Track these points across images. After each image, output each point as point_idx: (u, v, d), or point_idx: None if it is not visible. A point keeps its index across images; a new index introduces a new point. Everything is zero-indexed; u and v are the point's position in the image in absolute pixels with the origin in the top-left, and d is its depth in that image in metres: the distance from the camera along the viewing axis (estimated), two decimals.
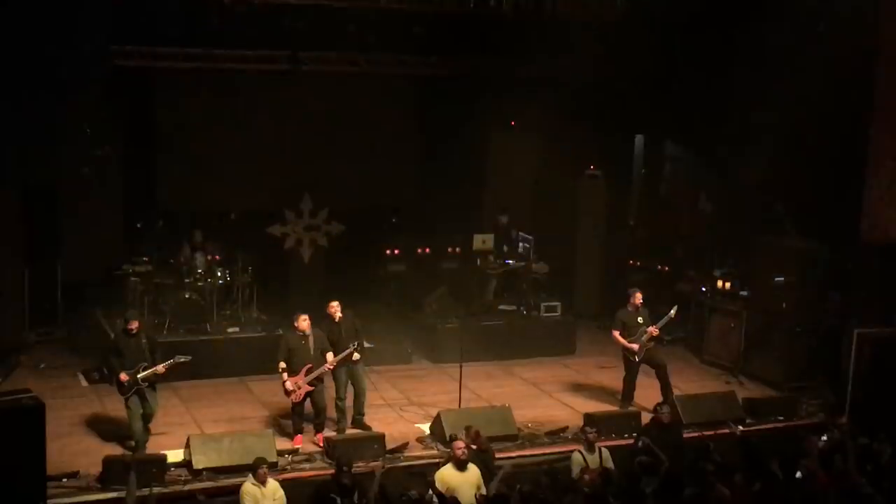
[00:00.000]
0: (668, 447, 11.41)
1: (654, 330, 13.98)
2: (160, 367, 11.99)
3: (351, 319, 13.23)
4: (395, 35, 16.73)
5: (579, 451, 11.51)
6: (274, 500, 10.49)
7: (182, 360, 12.26)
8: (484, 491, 10.29)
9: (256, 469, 10.52)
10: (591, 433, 11.67)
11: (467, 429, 11.51)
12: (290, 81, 16.97)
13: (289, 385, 12.54)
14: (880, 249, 14.26)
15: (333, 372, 12.94)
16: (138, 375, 11.84)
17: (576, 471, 11.13)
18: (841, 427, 12.22)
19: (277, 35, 16.47)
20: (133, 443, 11.93)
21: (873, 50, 14.60)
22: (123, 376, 11.84)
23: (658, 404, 12.55)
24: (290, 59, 16.67)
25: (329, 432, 12.75)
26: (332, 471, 11.08)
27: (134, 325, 12.05)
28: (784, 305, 15.36)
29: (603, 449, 11.64)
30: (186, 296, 15.61)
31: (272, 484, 10.62)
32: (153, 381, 12.04)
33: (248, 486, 10.50)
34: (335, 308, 13.11)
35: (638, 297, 14.23)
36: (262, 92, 17.11)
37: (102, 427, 12.37)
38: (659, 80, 17.28)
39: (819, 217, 15.61)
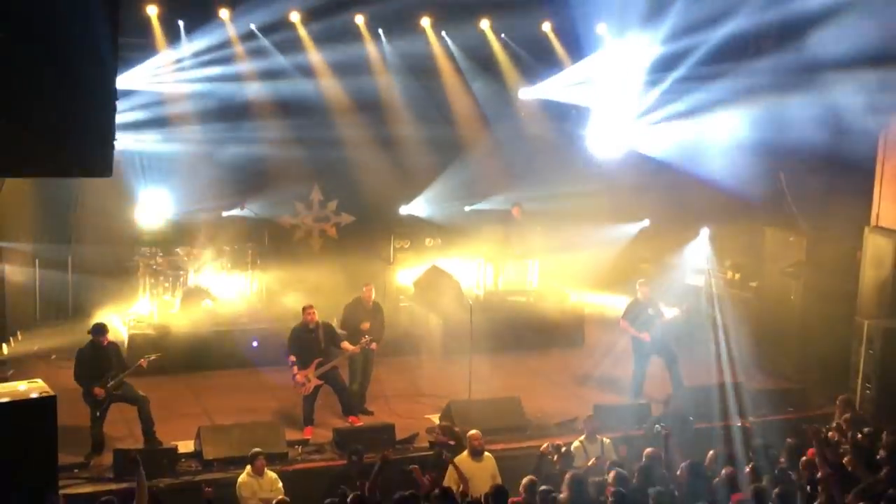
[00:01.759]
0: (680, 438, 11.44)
1: (663, 319, 14.02)
2: (142, 362, 11.93)
3: (380, 308, 13.40)
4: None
5: (580, 441, 11.54)
6: (272, 490, 10.50)
7: (151, 357, 12.13)
8: (499, 480, 10.31)
9: (254, 461, 10.51)
10: (591, 423, 11.70)
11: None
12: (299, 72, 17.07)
13: (299, 378, 12.62)
14: (890, 238, 14.18)
15: (351, 358, 13.04)
16: (108, 386, 11.72)
17: (577, 461, 11.14)
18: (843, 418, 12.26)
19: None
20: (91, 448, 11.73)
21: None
22: (100, 391, 11.69)
23: (669, 397, 12.57)
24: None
25: (339, 423, 12.81)
26: (343, 461, 11.12)
27: (106, 337, 11.95)
28: (793, 296, 15.34)
29: (604, 439, 11.66)
30: (196, 287, 15.66)
31: (270, 475, 10.64)
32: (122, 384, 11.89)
33: (245, 479, 10.51)
34: (370, 292, 13.35)
35: (646, 290, 14.27)
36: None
37: (113, 418, 12.37)
38: None
39: (828, 207, 15.57)
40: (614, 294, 17.46)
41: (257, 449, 10.75)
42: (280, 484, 10.63)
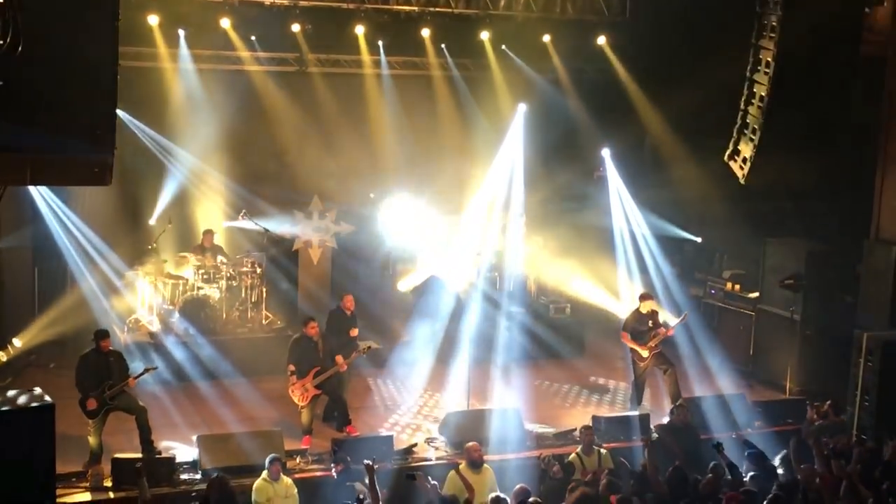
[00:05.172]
0: (684, 449, 11.45)
1: (664, 332, 13.97)
2: (130, 381, 11.86)
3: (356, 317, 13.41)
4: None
5: (576, 454, 11.50)
6: (287, 497, 10.52)
7: (150, 368, 12.30)
8: (498, 491, 10.28)
9: (270, 465, 10.51)
10: (588, 434, 11.67)
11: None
12: (298, 81, 17.09)
13: (297, 388, 12.61)
14: (891, 250, 14.19)
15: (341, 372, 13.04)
16: (105, 395, 11.69)
17: (575, 473, 11.10)
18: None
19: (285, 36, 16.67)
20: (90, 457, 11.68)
21: (885, 52, 14.58)
22: (92, 403, 11.63)
23: (674, 406, 12.59)
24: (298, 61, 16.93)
25: (336, 433, 12.81)
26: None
27: (107, 342, 11.95)
28: (793, 308, 15.33)
29: (602, 450, 11.64)
30: (196, 296, 15.65)
31: (286, 481, 10.64)
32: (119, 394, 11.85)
33: (261, 483, 10.52)
34: (350, 302, 13.26)
35: (647, 302, 14.23)
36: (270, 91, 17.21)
37: (111, 427, 12.35)
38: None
39: (829, 218, 15.56)
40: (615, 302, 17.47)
41: (276, 453, 10.80)
42: (295, 490, 10.64)
